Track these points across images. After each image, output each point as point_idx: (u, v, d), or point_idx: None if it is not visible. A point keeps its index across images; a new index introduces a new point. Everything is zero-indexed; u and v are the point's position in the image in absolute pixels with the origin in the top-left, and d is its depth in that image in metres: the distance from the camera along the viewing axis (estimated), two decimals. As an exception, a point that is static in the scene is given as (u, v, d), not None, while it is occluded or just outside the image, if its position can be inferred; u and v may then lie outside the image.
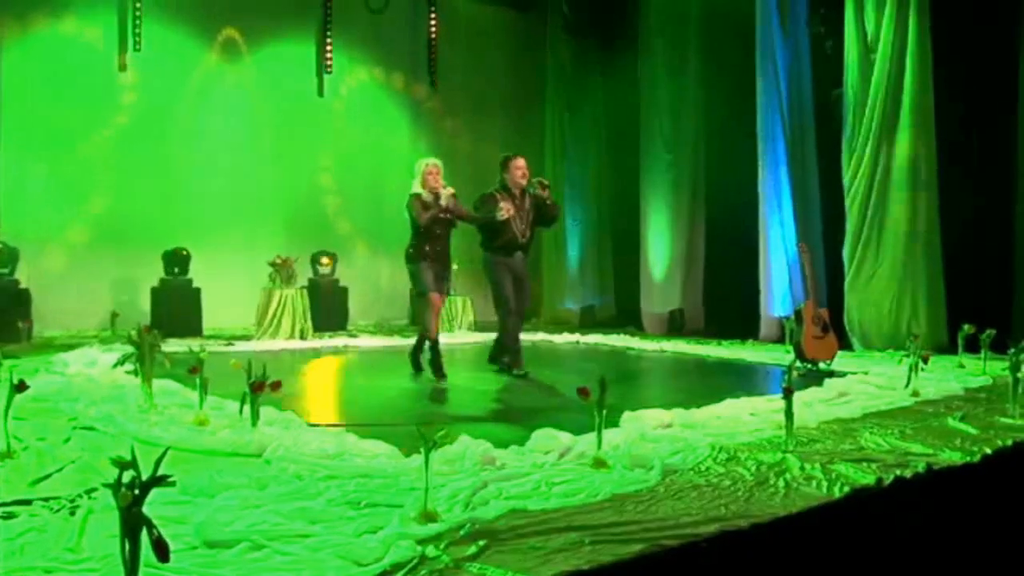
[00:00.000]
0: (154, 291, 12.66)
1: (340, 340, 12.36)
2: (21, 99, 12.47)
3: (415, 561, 2.80)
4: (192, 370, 5.44)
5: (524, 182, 8.44)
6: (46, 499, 3.64)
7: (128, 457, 2.45)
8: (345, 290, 14.14)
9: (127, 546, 2.41)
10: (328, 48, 15.02)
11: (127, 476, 2.43)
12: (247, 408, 4.94)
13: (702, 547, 3.09)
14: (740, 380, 8.39)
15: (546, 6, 16.34)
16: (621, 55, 15.25)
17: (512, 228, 8.34)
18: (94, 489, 3.74)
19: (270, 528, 3.10)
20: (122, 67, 13.34)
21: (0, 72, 12.35)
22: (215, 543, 2.95)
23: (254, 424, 4.81)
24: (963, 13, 10.28)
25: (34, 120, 12.54)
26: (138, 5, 13.20)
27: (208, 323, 12.71)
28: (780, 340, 11.52)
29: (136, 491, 2.39)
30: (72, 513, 3.43)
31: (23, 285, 11.60)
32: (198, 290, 12.67)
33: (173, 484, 2.51)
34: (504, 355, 8.56)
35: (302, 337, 12.13)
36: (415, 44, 16.14)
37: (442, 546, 2.97)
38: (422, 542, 2.97)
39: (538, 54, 16.59)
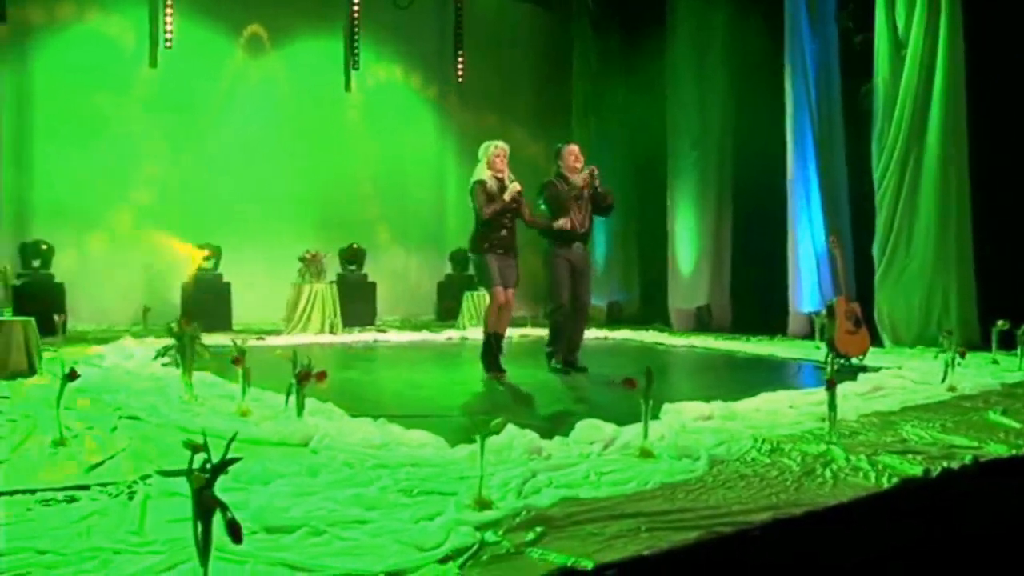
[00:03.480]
0: (184, 286, 12.75)
1: (369, 335, 12.41)
2: (55, 96, 12.64)
3: (475, 546, 2.82)
4: (235, 361, 5.48)
5: (579, 167, 8.29)
6: (103, 484, 3.69)
7: (196, 441, 2.49)
8: (373, 285, 14.19)
9: (199, 528, 2.44)
10: (356, 44, 15.06)
11: (198, 459, 2.47)
12: (291, 399, 4.96)
13: (756, 534, 3.10)
14: (773, 375, 8.40)
15: (571, 2, 16.34)
16: (647, 50, 15.22)
17: (571, 218, 8.17)
18: (148, 476, 3.80)
19: (327, 514, 3.14)
20: (152, 63, 13.43)
21: (34, 68, 12.51)
22: (274, 528, 2.99)
23: (300, 414, 4.84)
24: (995, 6, 10.21)
25: (67, 116, 12.69)
26: (168, 2, 13.29)
27: (237, 318, 12.79)
28: (809, 336, 11.52)
29: (208, 474, 2.42)
30: (130, 498, 3.48)
31: (57, 279, 11.69)
32: (228, 285, 12.74)
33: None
34: (557, 353, 8.33)
35: (332, 332, 12.18)
36: (441, 39, 16.20)
37: (500, 532, 2.99)
38: (481, 528, 2.99)
39: (563, 50, 16.61)
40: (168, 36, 13.41)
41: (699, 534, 3.00)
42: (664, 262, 14.71)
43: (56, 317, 9.70)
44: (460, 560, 2.71)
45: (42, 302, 10.53)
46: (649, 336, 12.59)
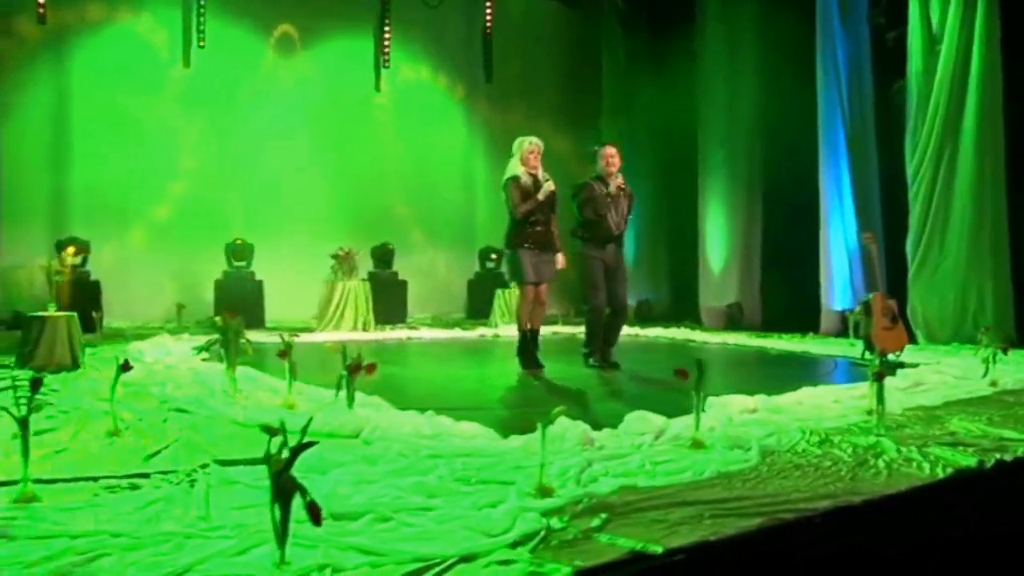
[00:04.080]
0: (217, 283, 12.83)
1: (402, 332, 12.44)
2: (91, 95, 12.80)
3: (543, 532, 2.85)
4: (281, 354, 5.52)
5: (615, 169, 8.26)
6: (164, 472, 3.74)
7: (275, 425, 2.53)
8: (404, 283, 14.24)
9: (277, 511, 2.47)
10: (386, 43, 15.12)
11: (276, 443, 2.50)
12: (340, 391, 4.99)
13: (817, 521, 3.12)
14: (809, 371, 8.37)
15: (600, 0, 16.35)
16: (676, 48, 15.22)
17: (607, 220, 8.17)
18: (206, 464, 3.84)
19: (392, 501, 3.17)
20: (186, 63, 13.54)
21: (72, 69, 12.66)
22: (340, 515, 3.01)
23: (350, 406, 4.88)
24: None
25: (102, 116, 12.84)
26: (202, 3, 13.39)
27: (269, 316, 12.86)
28: (842, 334, 11.47)
29: (286, 457, 2.45)
30: (191, 485, 3.52)
31: (93, 277, 11.80)
32: (260, 282, 12.81)
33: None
34: (594, 352, 8.31)
35: (364, 329, 12.22)
36: (470, 38, 16.24)
37: (565, 519, 3.01)
38: (546, 514, 3.02)
39: (592, 48, 16.63)
40: (201, 36, 13.48)
41: (762, 521, 3.02)
42: (693, 260, 14.72)
43: (94, 314, 9.78)
44: (530, 545, 2.73)
45: (79, 299, 10.61)
46: (680, 333, 12.58)
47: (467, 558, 2.59)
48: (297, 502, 2.47)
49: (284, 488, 2.45)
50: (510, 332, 12.14)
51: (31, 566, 2.54)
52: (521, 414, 5.48)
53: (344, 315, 12.27)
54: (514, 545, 2.73)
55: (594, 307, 8.24)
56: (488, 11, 16.11)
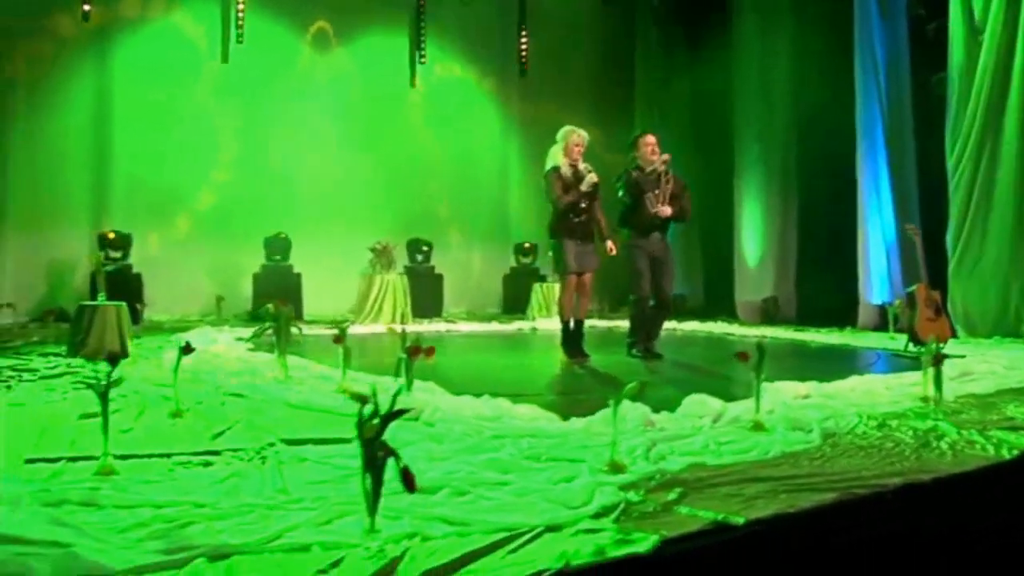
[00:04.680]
0: (255, 277, 12.92)
1: (440, 325, 12.48)
2: (131, 91, 12.93)
3: (622, 505, 2.87)
4: (336, 339, 5.57)
5: (655, 159, 8.22)
6: (234, 450, 3.79)
7: (359, 396, 2.56)
8: (440, 277, 14.29)
9: (368, 478, 2.51)
10: (422, 39, 15.17)
11: (367, 410, 2.54)
12: (396, 374, 5.03)
13: (889, 497, 3.13)
14: (853, 362, 8.34)
15: (634, -4, 16.38)
16: (710, 44, 15.18)
17: (648, 208, 8.10)
18: (272, 444, 3.88)
19: (467, 476, 3.21)
20: (224, 58, 13.64)
21: (113, 65, 12.81)
22: (417, 489, 3.04)
23: (409, 388, 4.91)
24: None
25: (142, 111, 12.96)
26: (240, 0, 13.51)
27: (306, 309, 12.94)
28: (880, 328, 11.42)
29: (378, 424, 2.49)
30: (262, 462, 3.56)
31: (135, 270, 11.91)
32: (299, 275, 12.88)
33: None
34: (637, 343, 8.29)
35: (402, 322, 12.26)
36: (504, 33, 16.24)
37: (641, 493, 3.03)
38: (623, 488, 3.04)
39: (626, 41, 16.62)
40: (239, 32, 13.58)
41: (836, 495, 3.03)
42: (727, 254, 14.69)
43: (139, 305, 9.87)
44: (611, 516, 2.76)
45: (121, 291, 10.71)
46: (718, 327, 12.57)
47: (553, 528, 2.61)
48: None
49: (377, 455, 2.49)
50: (548, 326, 12.22)
51: (123, 532, 2.59)
52: (573, 399, 5.51)
53: (382, 308, 12.32)
54: (596, 517, 2.75)
55: (638, 297, 8.20)
56: (522, 6, 16.10)
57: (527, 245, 15.23)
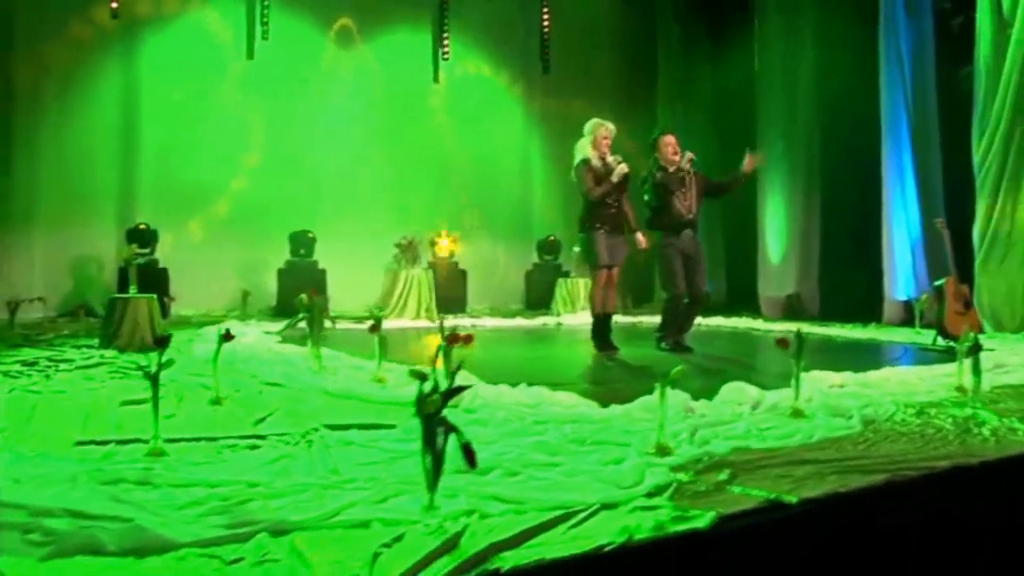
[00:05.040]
0: (280, 272, 12.97)
1: (465, 320, 12.49)
2: (158, 87, 13.00)
3: (673, 485, 2.88)
4: (372, 328, 5.60)
5: (677, 158, 8.24)
6: (279, 434, 3.82)
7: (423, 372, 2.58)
8: (464, 273, 14.30)
9: (429, 454, 2.53)
10: (445, 35, 15.19)
11: (427, 387, 2.56)
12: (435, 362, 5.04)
13: (938, 478, 3.14)
14: (881, 356, 8.31)
15: (657, -6, 16.37)
16: (732, 41, 15.15)
17: (677, 206, 8.14)
18: (316, 429, 3.90)
19: (517, 457, 3.23)
20: (250, 55, 13.71)
21: (140, 62, 12.90)
22: (467, 471, 3.06)
23: (448, 376, 4.92)
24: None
25: (169, 107, 13.01)
26: (266, -1, 13.62)
27: (331, 304, 12.97)
28: (905, 323, 11.37)
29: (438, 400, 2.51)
30: (308, 446, 3.59)
31: (161, 265, 11.97)
32: (323, 271, 12.92)
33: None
34: (667, 337, 8.28)
35: (427, 317, 12.30)
36: (528, 30, 16.23)
37: (691, 474, 3.05)
38: (673, 469, 3.06)
39: (648, 41, 16.59)
40: (265, 29, 13.64)
41: (886, 476, 3.04)
42: (750, 250, 14.66)
43: (167, 299, 9.92)
44: (665, 495, 2.77)
45: (149, 286, 10.78)
46: (742, 322, 12.56)
47: (609, 506, 2.63)
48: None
49: (436, 432, 2.51)
50: (573, 321, 12.26)
51: (182, 508, 2.62)
52: (607, 389, 5.50)
53: (407, 303, 12.36)
54: (650, 496, 2.77)
55: (673, 296, 8.20)
56: (545, 4, 16.10)
57: (552, 239, 15.22)
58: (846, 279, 13.20)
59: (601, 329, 8.05)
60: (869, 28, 12.37)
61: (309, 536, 2.37)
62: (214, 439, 3.72)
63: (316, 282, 12.75)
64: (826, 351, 9.27)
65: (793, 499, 2.71)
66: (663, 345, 8.24)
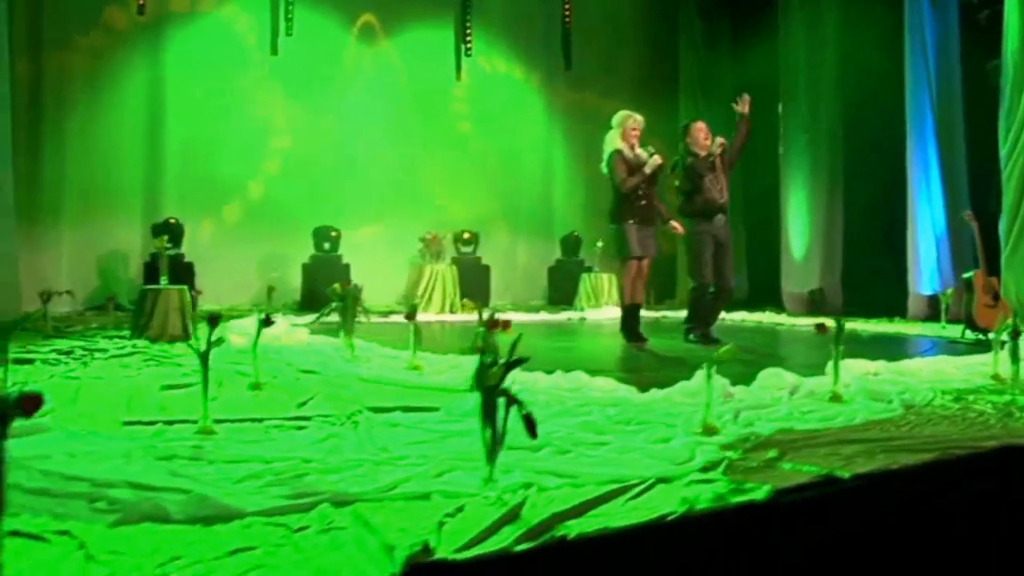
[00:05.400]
0: (305, 267, 13.02)
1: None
2: (183, 83, 13.05)
3: (725, 462, 2.90)
4: (408, 317, 5.63)
5: (709, 143, 8.26)
6: (324, 416, 3.84)
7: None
8: (487, 268, 14.32)
9: (489, 426, 2.55)
10: (468, 32, 15.22)
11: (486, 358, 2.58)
12: (472, 348, 5.06)
13: (987, 457, 3.15)
14: (910, 348, 8.28)
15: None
16: (755, 36, 15.10)
17: (710, 189, 8.13)
18: (360, 411, 3.92)
19: (566, 436, 3.25)
20: (274, 51, 13.76)
21: (166, 58, 12.98)
22: (518, 448, 3.08)
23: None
24: None
25: (195, 102, 13.07)
26: (290, -8, 13.67)
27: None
28: (930, 319, 11.33)
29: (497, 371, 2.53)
30: (355, 426, 3.61)
31: (186, 259, 12.03)
32: (347, 266, 12.96)
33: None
34: (695, 329, 8.28)
35: (452, 311, 12.33)
36: (549, 25, 16.25)
37: (740, 451, 3.06)
38: (723, 448, 3.07)
39: (671, 37, 16.57)
40: (289, 25, 13.69)
41: (935, 455, 3.05)
42: (773, 245, 14.63)
43: (193, 293, 9.95)
44: (718, 470, 2.79)
45: (175, 280, 10.83)
46: (766, 317, 12.54)
47: (664, 479, 2.65)
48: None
49: (495, 403, 2.53)
50: (597, 316, 12.27)
51: (239, 482, 2.65)
52: (641, 376, 5.51)
53: (432, 298, 12.39)
54: (703, 470, 2.78)
55: (699, 284, 8.20)
56: (567, -1, 16.14)
57: (574, 235, 15.23)
58: (869, 274, 13.17)
59: (630, 320, 8.06)
60: (894, 21, 12.33)
61: (371, 507, 2.39)
62: (260, 420, 3.75)
63: (340, 277, 12.78)
64: (854, 344, 9.20)
65: (845, 474, 2.72)
66: (691, 337, 8.24)
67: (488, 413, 2.55)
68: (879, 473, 2.80)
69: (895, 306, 12.25)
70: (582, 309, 13.33)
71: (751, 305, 14.53)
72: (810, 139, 14.15)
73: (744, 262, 15.90)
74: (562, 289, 14.62)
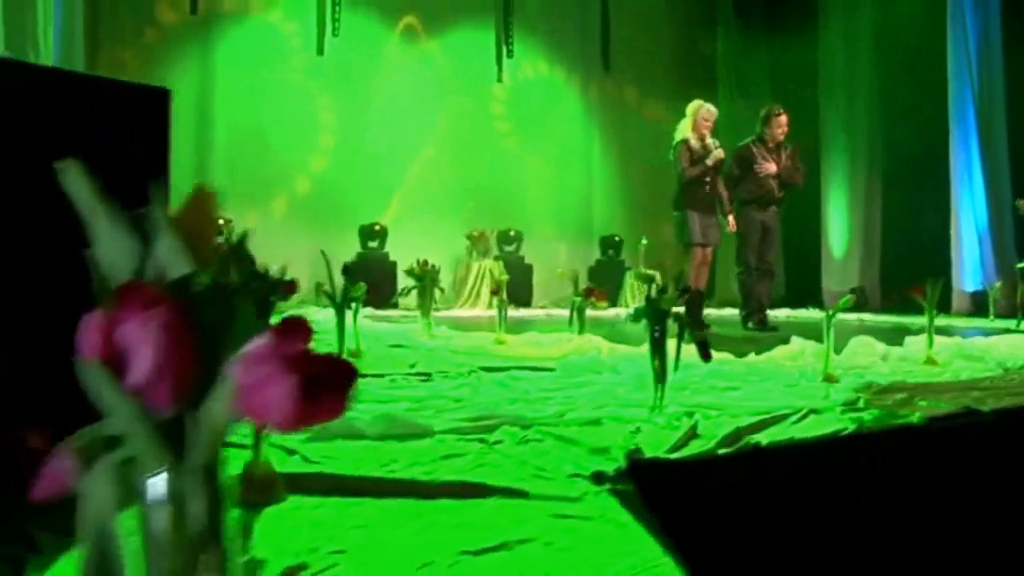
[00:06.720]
0: (351, 264, 13.12)
1: (539, 311, 12.56)
2: (232, 82, 13.21)
3: (860, 401, 3.01)
4: (493, 291, 5.76)
5: (783, 138, 8.42)
6: (443, 372, 3.95)
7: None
8: (530, 267, 14.40)
9: (658, 354, 2.67)
10: (509, 33, 15.35)
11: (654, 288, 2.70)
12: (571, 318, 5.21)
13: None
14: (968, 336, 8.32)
15: (716, -11, 16.45)
16: (793, 33, 15.17)
17: (770, 182, 8.30)
18: (474, 370, 4.02)
19: (699, 382, 3.37)
20: (320, 51, 13.93)
21: (216, 58, 13.17)
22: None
23: (581, 331, 5.09)
24: None
25: (243, 100, 13.23)
26: (337, -6, 13.86)
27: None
28: (974, 314, 11.32)
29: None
30: (478, 379, 3.72)
31: (238, 255, 12.16)
32: (394, 263, 13.07)
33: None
34: (752, 315, 8.40)
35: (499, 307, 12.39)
36: (588, 27, 16.34)
37: (870, 394, 3.17)
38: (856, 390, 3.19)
39: (709, 35, 16.67)
40: (336, 26, 13.87)
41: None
42: (812, 243, 14.67)
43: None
44: (861, 403, 2.90)
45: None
46: (809, 314, 12.59)
47: (816, 410, 2.76)
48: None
49: (666, 331, 2.65)
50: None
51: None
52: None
53: (480, 294, 12.50)
54: (847, 405, 2.90)
55: (747, 269, 8.35)
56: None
57: (615, 237, 15.31)
58: (910, 271, 13.17)
59: (694, 308, 8.12)
60: (935, 16, 12.36)
61: (548, 429, 2.48)
62: (380, 375, 3.82)
63: (387, 274, 12.92)
64: (909, 335, 9.31)
65: (985, 408, 2.83)
66: (749, 325, 8.33)
67: (659, 339, 2.66)
68: (1016, 409, 2.91)
69: (938, 302, 12.24)
70: (627, 305, 13.36)
71: (791, 303, 14.57)
72: (849, 136, 14.21)
73: (782, 262, 15.92)
74: (604, 290, 14.62)
